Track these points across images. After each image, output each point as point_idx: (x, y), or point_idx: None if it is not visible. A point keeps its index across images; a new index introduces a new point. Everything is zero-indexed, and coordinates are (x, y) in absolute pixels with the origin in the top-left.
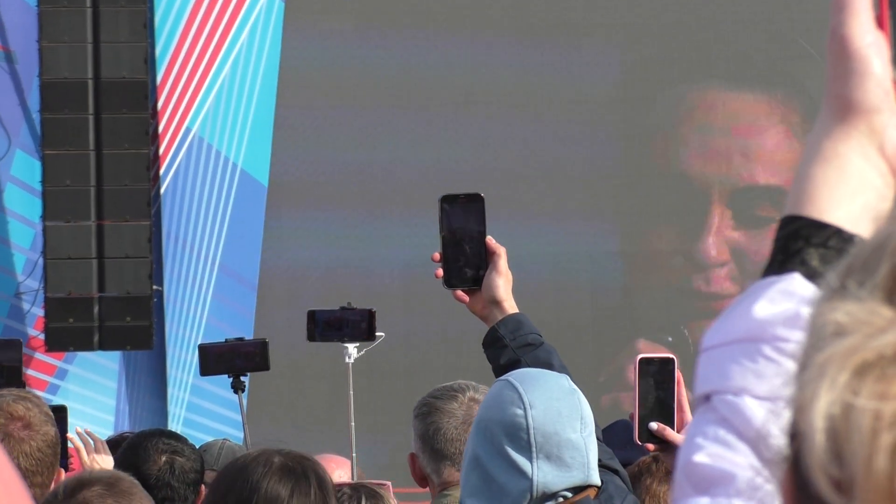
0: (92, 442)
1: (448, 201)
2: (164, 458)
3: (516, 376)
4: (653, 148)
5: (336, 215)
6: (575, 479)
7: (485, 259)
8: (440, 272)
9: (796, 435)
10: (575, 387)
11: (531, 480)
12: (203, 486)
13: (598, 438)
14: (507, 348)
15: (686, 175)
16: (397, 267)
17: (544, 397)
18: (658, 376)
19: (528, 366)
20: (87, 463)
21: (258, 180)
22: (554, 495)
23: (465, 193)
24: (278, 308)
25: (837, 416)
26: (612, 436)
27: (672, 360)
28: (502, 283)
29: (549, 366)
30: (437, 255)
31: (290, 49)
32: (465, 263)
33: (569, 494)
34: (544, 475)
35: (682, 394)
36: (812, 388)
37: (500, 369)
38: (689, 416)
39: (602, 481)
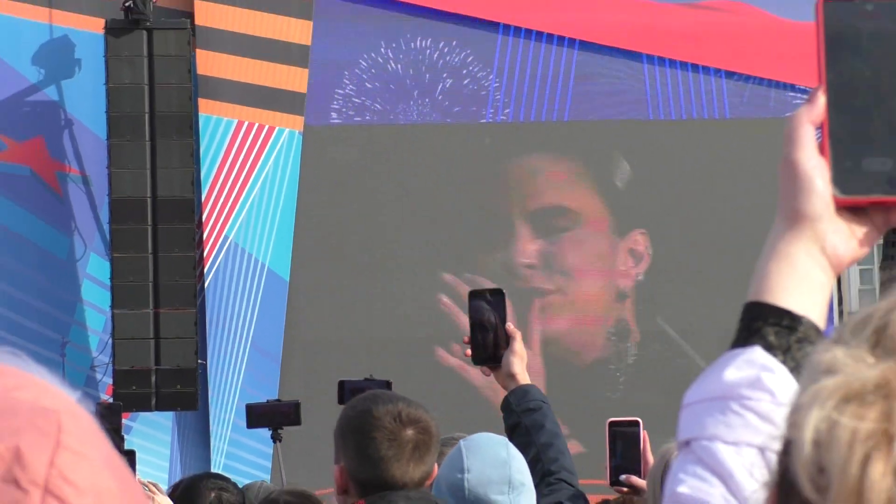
0: (155, 488)
1: (475, 295)
2: (213, 495)
3: (467, 442)
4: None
5: (345, 302)
6: None
7: (505, 341)
8: (469, 352)
9: (787, 449)
10: (509, 455)
11: None
12: None
13: (571, 486)
14: (514, 413)
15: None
16: (387, 343)
17: (479, 466)
18: (627, 436)
19: (527, 427)
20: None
21: (281, 276)
22: None
23: (489, 289)
24: (297, 376)
25: (823, 430)
26: None
27: (638, 422)
28: (517, 360)
29: (540, 426)
30: (466, 339)
31: (307, 171)
32: (489, 345)
33: None
34: None
35: (647, 449)
36: (806, 409)
37: (508, 429)
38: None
39: None
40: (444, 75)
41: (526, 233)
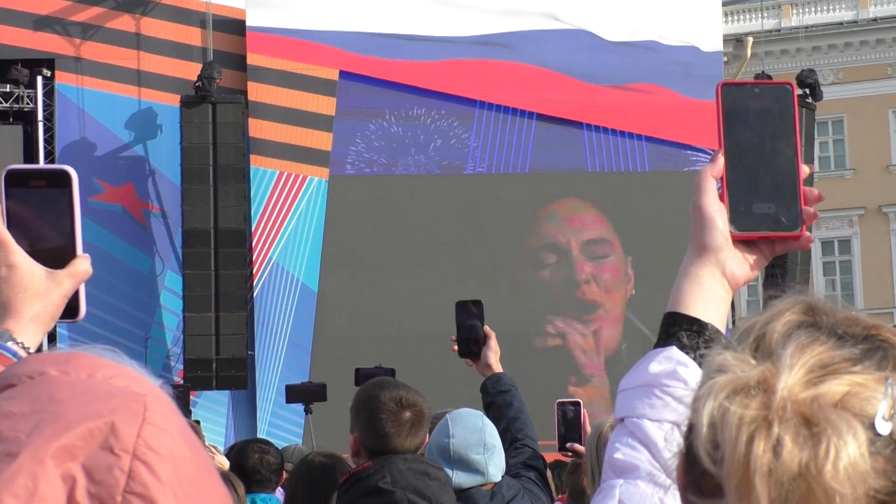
0: (214, 450)
1: (460, 304)
2: (256, 455)
3: (452, 415)
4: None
5: (360, 308)
6: (478, 480)
7: (483, 339)
8: (455, 347)
9: (691, 429)
10: (483, 424)
11: (451, 480)
12: (284, 473)
13: (532, 449)
14: (490, 394)
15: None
16: (392, 339)
17: (461, 432)
18: (570, 413)
19: (499, 405)
20: (217, 461)
21: (311, 288)
22: (467, 489)
23: (472, 299)
24: (324, 364)
25: (717, 416)
26: None
27: (579, 402)
28: (492, 354)
29: (509, 404)
30: (453, 338)
31: (331, 210)
32: (471, 341)
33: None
34: (458, 478)
35: (586, 423)
36: (703, 399)
37: (485, 406)
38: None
39: (518, 476)
40: (436, 136)
41: (506, 259)
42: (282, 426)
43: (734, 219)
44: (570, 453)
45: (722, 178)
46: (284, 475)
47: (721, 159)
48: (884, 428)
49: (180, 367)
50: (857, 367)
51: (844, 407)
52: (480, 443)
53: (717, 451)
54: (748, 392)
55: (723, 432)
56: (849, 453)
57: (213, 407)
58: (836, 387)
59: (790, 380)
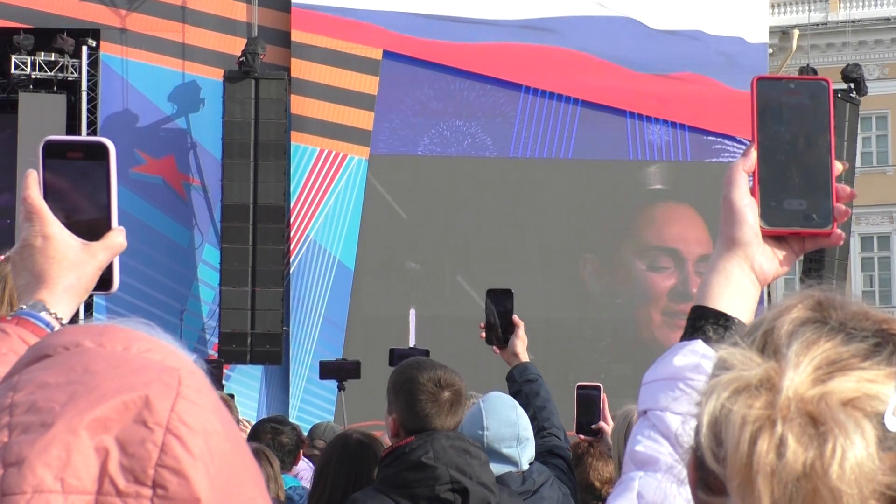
0: (248, 424)
1: (491, 292)
2: (269, 436)
3: (486, 404)
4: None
5: (396, 287)
6: (510, 469)
7: (511, 327)
8: (483, 335)
9: (697, 428)
10: (517, 416)
11: None
12: (301, 452)
13: (558, 438)
14: (517, 382)
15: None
16: (427, 320)
17: (496, 425)
18: (590, 397)
19: (526, 394)
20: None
21: (347, 266)
22: (499, 477)
23: (501, 288)
24: (358, 342)
25: (719, 415)
26: None
27: (599, 387)
28: (519, 343)
29: (536, 393)
30: (482, 325)
31: (370, 189)
32: (500, 330)
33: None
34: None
35: (605, 408)
36: (707, 398)
37: (512, 395)
38: (609, 421)
39: (545, 463)
40: (480, 114)
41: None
42: (314, 402)
43: (765, 214)
44: (588, 437)
45: (754, 173)
46: (301, 454)
47: (753, 154)
48: (893, 424)
49: (215, 340)
50: (866, 363)
51: (853, 404)
52: (514, 437)
53: (720, 450)
54: (751, 391)
55: (725, 431)
56: (855, 453)
57: (247, 381)
58: (844, 383)
59: (797, 378)
